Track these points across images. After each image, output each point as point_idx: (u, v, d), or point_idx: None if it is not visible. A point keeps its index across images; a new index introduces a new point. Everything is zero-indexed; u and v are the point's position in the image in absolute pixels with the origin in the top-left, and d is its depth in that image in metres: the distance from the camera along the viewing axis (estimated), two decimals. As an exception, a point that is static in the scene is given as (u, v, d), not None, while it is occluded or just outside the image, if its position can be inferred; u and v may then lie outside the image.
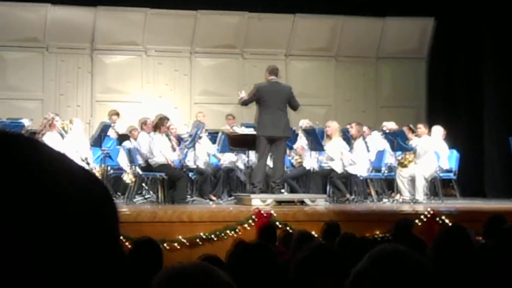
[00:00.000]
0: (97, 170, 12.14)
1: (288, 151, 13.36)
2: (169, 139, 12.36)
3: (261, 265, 3.52)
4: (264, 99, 11.21)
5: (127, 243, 7.10)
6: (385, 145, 13.09)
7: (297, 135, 13.39)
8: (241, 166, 13.19)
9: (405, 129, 13.24)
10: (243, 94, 11.62)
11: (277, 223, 9.49)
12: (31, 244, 0.79)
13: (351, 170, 12.60)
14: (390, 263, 1.95)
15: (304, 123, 13.30)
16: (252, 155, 12.20)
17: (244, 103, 11.67)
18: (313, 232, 7.66)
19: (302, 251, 3.35)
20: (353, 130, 13.01)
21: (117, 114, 14.54)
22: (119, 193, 12.73)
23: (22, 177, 0.81)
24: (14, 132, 0.88)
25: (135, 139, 13.09)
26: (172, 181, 11.86)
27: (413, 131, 13.25)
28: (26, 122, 12.68)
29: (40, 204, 0.80)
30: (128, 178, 12.73)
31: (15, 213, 0.79)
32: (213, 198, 12.58)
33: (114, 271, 0.86)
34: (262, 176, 11.37)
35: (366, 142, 13.03)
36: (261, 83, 11.52)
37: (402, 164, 12.85)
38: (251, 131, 11.93)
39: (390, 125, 13.77)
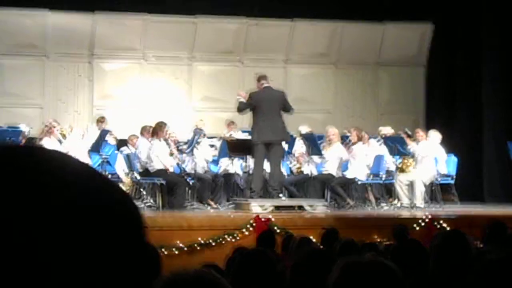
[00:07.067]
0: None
1: (287, 156, 13.36)
2: (168, 145, 12.34)
3: (260, 271, 3.52)
4: (259, 105, 11.33)
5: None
6: (383, 150, 13.08)
7: (294, 139, 13.39)
8: (239, 172, 13.17)
9: (402, 135, 13.21)
10: (243, 95, 11.71)
11: (276, 229, 9.49)
12: (44, 249, 0.77)
13: (349, 174, 12.58)
14: (362, 274, 1.97)
15: (304, 128, 13.30)
16: (251, 161, 12.19)
17: (240, 108, 11.73)
18: (314, 239, 7.65)
19: (296, 257, 3.36)
20: (352, 135, 13.03)
21: (103, 119, 14.03)
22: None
23: (32, 183, 0.79)
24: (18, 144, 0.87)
25: (133, 146, 13.06)
26: (170, 187, 11.84)
27: (409, 136, 13.24)
28: (24, 128, 12.63)
29: (56, 212, 0.78)
30: (124, 187, 12.71)
31: (29, 220, 0.77)
32: (212, 204, 12.56)
33: (144, 270, 0.84)
34: (261, 183, 11.41)
35: (364, 147, 13.03)
36: (255, 91, 11.69)
37: (401, 169, 12.83)
38: (248, 136, 11.96)
39: (386, 130, 13.75)
